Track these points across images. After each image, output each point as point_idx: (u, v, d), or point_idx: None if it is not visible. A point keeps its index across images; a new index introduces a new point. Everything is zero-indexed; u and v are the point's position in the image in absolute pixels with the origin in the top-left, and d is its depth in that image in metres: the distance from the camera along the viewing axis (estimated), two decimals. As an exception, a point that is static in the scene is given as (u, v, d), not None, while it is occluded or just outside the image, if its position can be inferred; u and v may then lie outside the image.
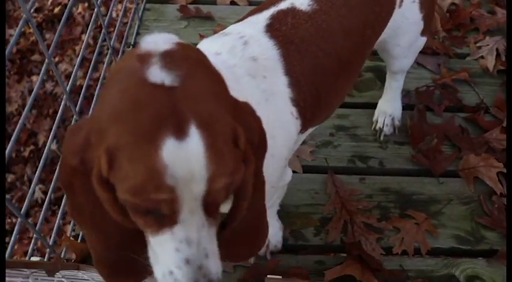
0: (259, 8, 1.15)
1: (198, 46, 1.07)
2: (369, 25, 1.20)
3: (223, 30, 1.10)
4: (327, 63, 1.11)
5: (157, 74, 0.64)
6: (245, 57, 1.00)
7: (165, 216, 0.65)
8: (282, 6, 1.12)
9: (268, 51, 1.03)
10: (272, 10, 1.11)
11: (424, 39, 1.46)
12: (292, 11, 1.11)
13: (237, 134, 0.67)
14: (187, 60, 0.69)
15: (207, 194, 0.64)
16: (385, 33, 1.30)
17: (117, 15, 2.65)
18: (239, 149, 0.68)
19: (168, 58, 0.66)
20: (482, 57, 1.98)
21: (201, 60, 0.73)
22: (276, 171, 1.08)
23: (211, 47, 1.01)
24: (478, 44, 2.03)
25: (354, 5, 1.16)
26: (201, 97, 0.65)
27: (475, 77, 1.93)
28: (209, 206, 0.66)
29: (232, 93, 0.75)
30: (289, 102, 1.04)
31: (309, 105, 1.09)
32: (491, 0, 2.18)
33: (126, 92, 0.65)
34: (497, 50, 1.97)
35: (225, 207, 0.97)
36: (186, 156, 0.61)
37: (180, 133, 0.61)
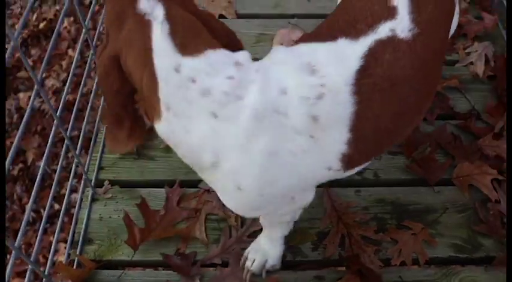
0: (353, 26, 0.95)
1: (277, 54, 0.98)
2: (446, 38, 1.09)
3: (311, 61, 0.92)
4: (414, 101, 0.97)
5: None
6: (308, 114, 0.89)
7: None
8: (382, 33, 0.94)
9: (338, 110, 0.90)
10: (370, 39, 0.93)
11: None
12: (392, 42, 0.93)
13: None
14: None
15: None
16: None
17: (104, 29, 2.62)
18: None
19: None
20: (471, 63, 1.98)
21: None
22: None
23: (291, 78, 0.91)
24: (466, 50, 2.03)
25: (443, 19, 1.02)
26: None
27: (465, 84, 1.93)
28: None
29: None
30: (336, 157, 0.95)
31: (363, 158, 1.01)
32: (478, 6, 2.18)
33: None
34: (486, 55, 1.98)
35: None
36: None
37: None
